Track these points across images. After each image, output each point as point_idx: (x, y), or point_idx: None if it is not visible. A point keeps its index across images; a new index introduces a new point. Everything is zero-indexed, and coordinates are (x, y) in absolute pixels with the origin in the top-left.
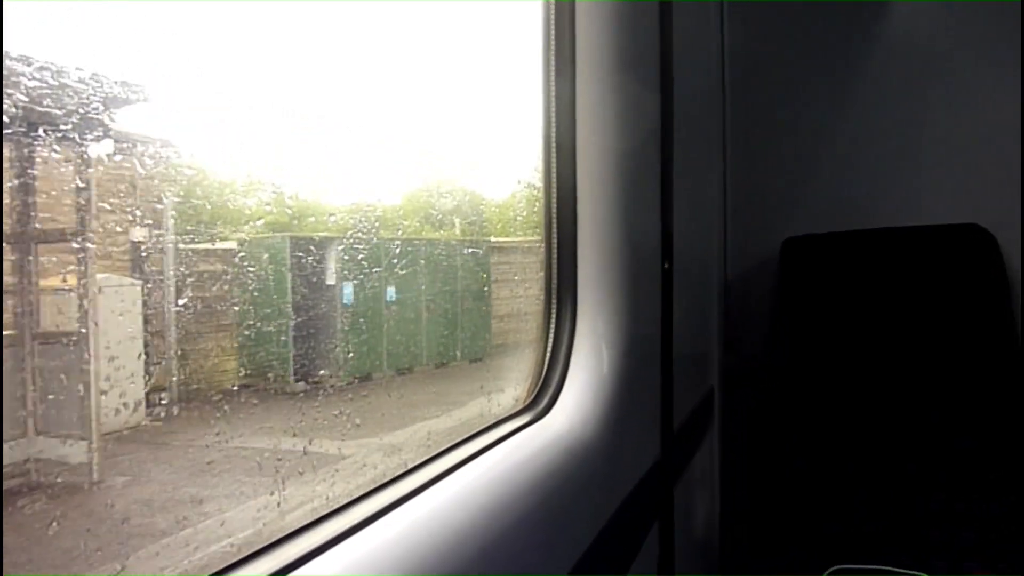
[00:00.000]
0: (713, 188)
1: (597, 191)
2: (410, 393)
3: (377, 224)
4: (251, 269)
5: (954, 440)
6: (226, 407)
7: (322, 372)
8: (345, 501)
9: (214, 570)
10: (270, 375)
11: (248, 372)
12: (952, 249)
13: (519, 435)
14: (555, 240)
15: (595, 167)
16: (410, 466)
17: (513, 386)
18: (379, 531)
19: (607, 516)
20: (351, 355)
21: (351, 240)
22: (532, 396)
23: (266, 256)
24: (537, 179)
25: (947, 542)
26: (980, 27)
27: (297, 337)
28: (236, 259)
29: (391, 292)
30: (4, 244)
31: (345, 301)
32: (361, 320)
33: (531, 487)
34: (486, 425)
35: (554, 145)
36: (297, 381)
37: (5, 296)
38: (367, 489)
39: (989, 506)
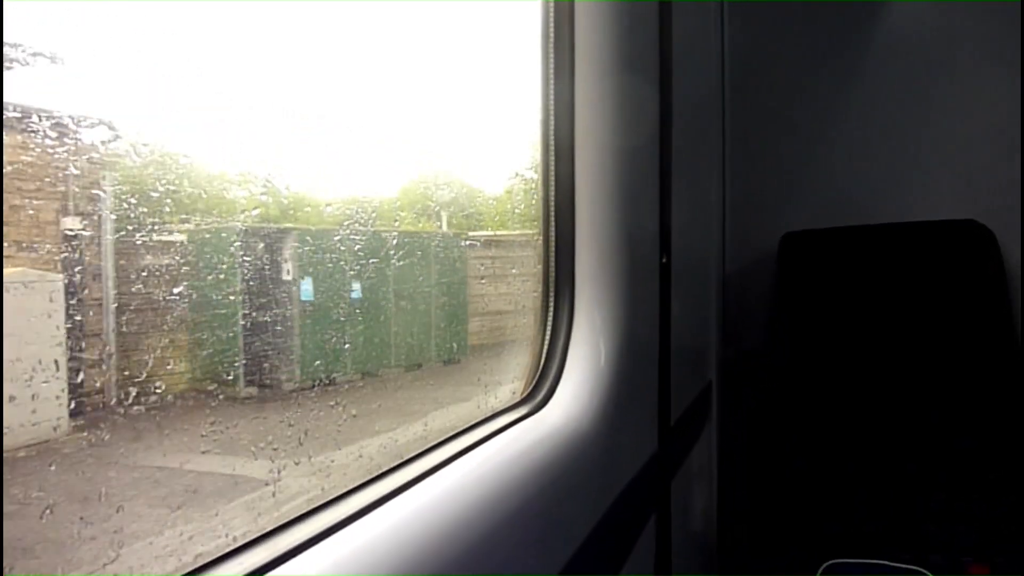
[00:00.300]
0: (712, 183)
1: (595, 185)
2: (370, 400)
3: (350, 217)
4: (200, 263)
5: (954, 440)
6: (162, 416)
7: (276, 376)
8: (337, 493)
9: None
10: (217, 380)
11: (193, 377)
12: (951, 245)
13: (516, 428)
14: (553, 234)
15: (593, 162)
16: (404, 458)
17: (491, 391)
18: (373, 524)
19: (603, 510)
20: (309, 357)
21: (315, 232)
22: (529, 389)
23: (217, 249)
24: (529, 172)
25: (946, 539)
26: (980, 24)
27: (250, 338)
28: (183, 252)
29: (356, 288)
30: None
31: (304, 298)
32: (322, 319)
33: (527, 480)
34: (482, 417)
35: (552, 140)
36: (248, 386)
37: None
38: (359, 481)
39: (989, 506)
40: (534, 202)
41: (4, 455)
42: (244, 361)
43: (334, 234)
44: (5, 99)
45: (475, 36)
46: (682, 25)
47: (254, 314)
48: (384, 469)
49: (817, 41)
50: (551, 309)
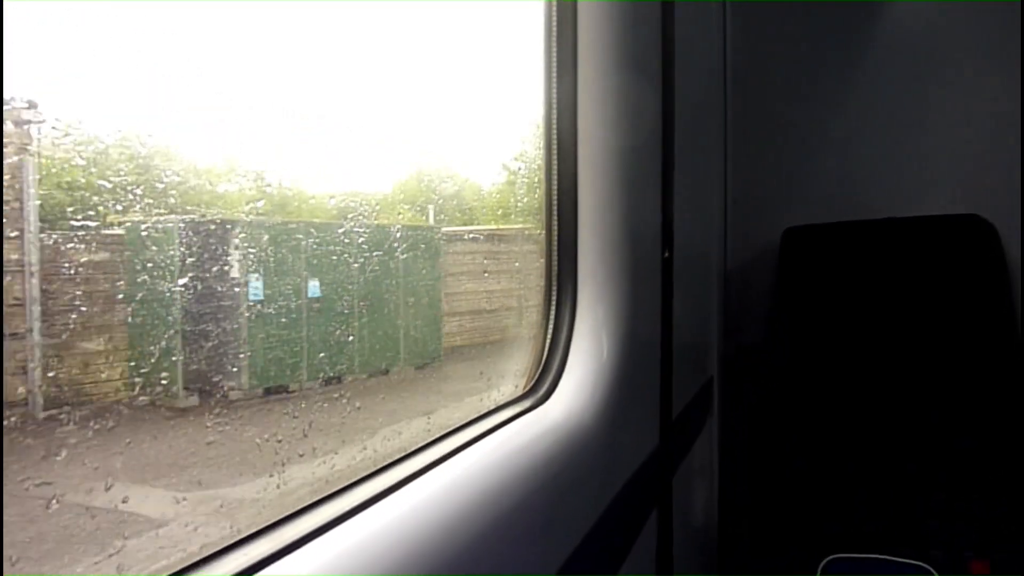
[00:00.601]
0: (714, 178)
1: (598, 181)
2: (327, 412)
3: (310, 209)
4: (139, 258)
5: (955, 437)
6: (79, 432)
7: (220, 383)
8: (338, 487)
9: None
10: (153, 388)
11: (127, 383)
12: (953, 239)
13: (518, 421)
14: (556, 228)
15: (596, 158)
16: (407, 451)
17: (463, 400)
18: (376, 517)
19: (605, 504)
20: (258, 362)
21: (273, 224)
22: (532, 383)
23: (157, 243)
24: (517, 165)
25: (947, 535)
26: (980, 20)
27: (193, 341)
28: (120, 247)
29: (314, 286)
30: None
31: (253, 297)
32: (273, 320)
33: (530, 474)
34: (485, 411)
35: (555, 137)
36: (188, 395)
37: None
38: (361, 475)
39: (990, 503)
40: (522, 196)
41: None
42: (184, 367)
43: (290, 227)
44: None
45: (472, 32)
46: (684, 24)
47: (197, 315)
48: (387, 462)
49: (819, 38)
50: (554, 303)
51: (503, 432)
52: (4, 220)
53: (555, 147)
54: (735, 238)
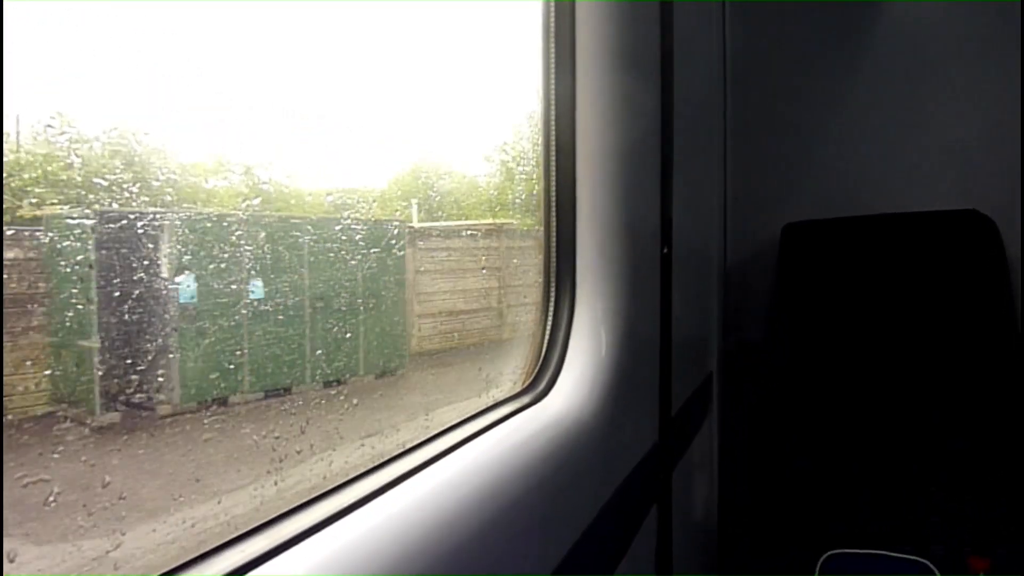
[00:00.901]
0: (714, 174)
1: (597, 177)
2: (270, 430)
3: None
4: (52, 256)
5: (955, 434)
6: None
7: (146, 397)
8: (337, 483)
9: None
10: (63, 402)
11: (29, 399)
12: (952, 235)
13: (517, 417)
14: (554, 224)
15: (595, 154)
16: (406, 447)
17: (432, 414)
18: (374, 512)
19: (605, 499)
20: (191, 372)
21: (210, 216)
22: (531, 379)
23: (71, 238)
24: (505, 156)
25: (947, 532)
26: (980, 17)
27: (113, 349)
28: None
29: (257, 286)
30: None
31: (185, 299)
32: (211, 324)
33: (529, 469)
34: (484, 407)
35: (554, 134)
36: (106, 411)
37: None
38: (360, 471)
39: (990, 501)
40: (505, 189)
41: None
42: (102, 379)
43: (229, 220)
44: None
45: (468, 28)
46: (683, 23)
47: (118, 319)
48: (385, 458)
49: (818, 34)
50: (552, 299)
51: (502, 428)
52: (4, 218)
53: (554, 144)
54: (735, 234)
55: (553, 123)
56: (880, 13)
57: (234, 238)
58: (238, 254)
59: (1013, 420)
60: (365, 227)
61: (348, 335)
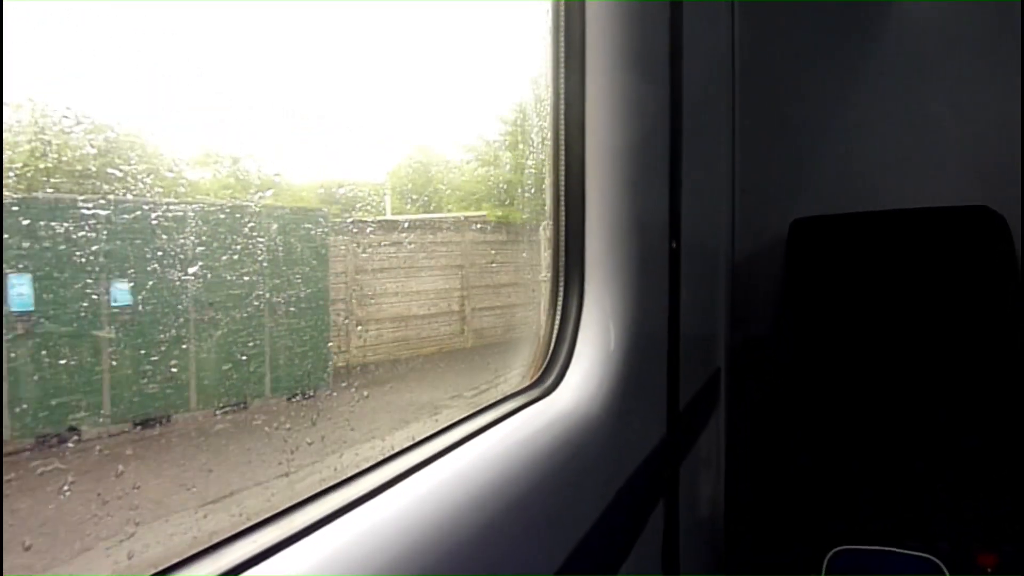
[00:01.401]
0: (722, 170)
1: (606, 173)
2: (137, 463)
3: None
4: None
5: (962, 436)
6: None
7: None
8: (344, 476)
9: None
10: None
11: None
12: (962, 231)
13: (526, 411)
14: (563, 219)
15: (604, 151)
16: (415, 440)
17: (349, 448)
18: (382, 506)
19: (612, 494)
20: (25, 399)
21: (64, 202)
22: (539, 373)
23: None
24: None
25: (954, 529)
26: (986, 13)
27: None
28: None
29: (120, 290)
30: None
31: (18, 308)
32: (56, 337)
33: (537, 463)
34: (493, 401)
35: (563, 131)
36: None
37: None
38: (368, 464)
39: (997, 499)
40: (484, 179)
41: None
42: None
43: (91, 206)
44: None
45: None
46: (692, 21)
47: None
48: (394, 451)
49: (827, 32)
50: (561, 293)
51: (510, 422)
52: (3, 219)
53: (563, 140)
54: (743, 229)
55: (563, 120)
56: (888, 11)
57: (90, 230)
58: (102, 250)
59: (1021, 417)
60: (278, 218)
61: (251, 348)
